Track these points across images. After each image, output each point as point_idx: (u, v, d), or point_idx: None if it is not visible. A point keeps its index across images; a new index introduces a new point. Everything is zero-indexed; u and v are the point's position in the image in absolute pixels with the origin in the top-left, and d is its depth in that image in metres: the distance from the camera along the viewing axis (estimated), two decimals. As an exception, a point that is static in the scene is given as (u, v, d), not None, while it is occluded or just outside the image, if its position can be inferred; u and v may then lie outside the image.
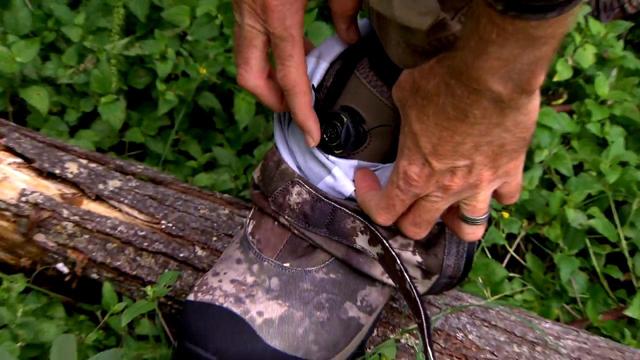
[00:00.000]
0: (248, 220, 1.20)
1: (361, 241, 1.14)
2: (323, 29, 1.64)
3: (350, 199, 1.14)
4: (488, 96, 0.93)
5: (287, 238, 1.17)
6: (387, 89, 1.12)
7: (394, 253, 1.12)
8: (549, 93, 1.66)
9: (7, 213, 1.35)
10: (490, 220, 1.47)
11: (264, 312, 1.14)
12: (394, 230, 1.14)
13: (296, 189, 1.15)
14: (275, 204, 1.17)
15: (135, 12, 1.67)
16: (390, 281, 1.16)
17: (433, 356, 1.09)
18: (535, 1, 0.83)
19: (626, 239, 1.51)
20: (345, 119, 1.12)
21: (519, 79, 0.91)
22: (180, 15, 1.64)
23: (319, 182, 1.14)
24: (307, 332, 1.14)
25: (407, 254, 1.15)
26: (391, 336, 1.23)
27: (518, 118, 0.97)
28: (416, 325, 1.22)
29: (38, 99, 1.57)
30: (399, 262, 1.12)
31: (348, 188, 1.13)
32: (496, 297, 1.38)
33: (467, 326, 1.24)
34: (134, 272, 1.31)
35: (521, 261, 1.51)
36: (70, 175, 1.37)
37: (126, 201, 1.35)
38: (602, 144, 1.57)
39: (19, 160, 1.38)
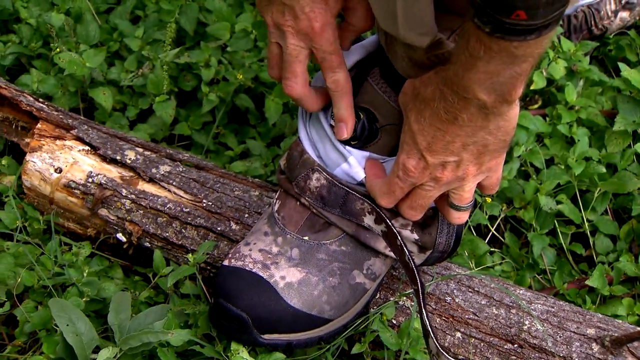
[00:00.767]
0: (275, 200, 1.19)
1: (368, 220, 1.14)
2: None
3: (361, 184, 1.13)
4: (475, 103, 0.93)
5: (306, 216, 1.16)
6: (394, 94, 1.12)
7: (395, 231, 1.12)
8: (526, 99, 1.64)
9: (76, 191, 1.35)
10: (475, 204, 1.46)
11: (286, 276, 1.13)
12: (396, 212, 1.13)
13: (315, 175, 1.15)
14: (297, 187, 1.16)
15: (185, 27, 1.67)
16: (391, 254, 1.15)
17: (427, 316, 1.08)
18: (518, 25, 0.82)
19: (588, 221, 1.50)
20: (362, 116, 1.12)
21: (502, 90, 0.91)
22: (221, 30, 1.64)
23: (335, 168, 1.13)
24: (321, 294, 1.14)
25: (406, 232, 1.14)
26: (391, 299, 1.22)
27: (500, 123, 0.97)
28: (412, 290, 1.21)
29: (104, 97, 1.57)
30: (399, 238, 1.12)
31: (360, 174, 1.12)
32: (479, 268, 1.37)
33: (455, 291, 1.23)
34: (180, 242, 1.30)
35: (501, 238, 1.50)
36: (128, 161, 1.36)
37: (174, 183, 1.34)
38: (570, 142, 1.56)
39: (86, 147, 1.38)
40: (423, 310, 1.09)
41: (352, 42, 1.14)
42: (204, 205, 1.32)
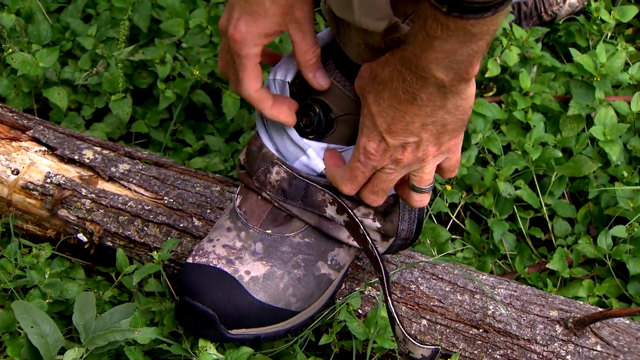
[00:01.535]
0: (236, 195, 1.19)
1: (330, 211, 1.14)
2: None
3: (321, 175, 1.13)
4: (433, 82, 0.94)
5: (268, 209, 1.16)
6: (349, 84, 1.12)
7: (357, 220, 1.12)
8: (481, 87, 1.65)
9: (35, 193, 1.33)
10: (435, 192, 1.47)
11: (250, 271, 1.13)
12: (357, 201, 1.13)
13: (275, 168, 1.14)
14: (258, 181, 1.16)
15: (138, 24, 1.66)
16: (355, 243, 1.15)
17: (392, 304, 1.08)
18: (475, 3, 0.83)
19: (546, 205, 1.51)
20: (317, 110, 1.11)
21: (459, 68, 0.92)
22: (175, 27, 1.63)
23: (295, 161, 1.13)
24: (286, 287, 1.14)
25: (368, 221, 1.15)
26: (356, 289, 1.22)
27: (458, 102, 0.98)
28: (377, 279, 1.21)
29: (59, 97, 1.56)
30: (362, 227, 1.12)
31: (320, 166, 1.12)
32: (441, 255, 1.37)
33: (419, 279, 1.24)
34: (142, 240, 1.30)
35: (461, 225, 1.51)
36: (87, 160, 1.35)
37: (134, 181, 1.33)
38: (526, 128, 1.57)
39: (43, 148, 1.37)
40: (388, 298, 1.09)
41: (317, 77, 1.14)
42: (166, 202, 1.31)
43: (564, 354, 1.17)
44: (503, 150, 1.53)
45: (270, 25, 1.07)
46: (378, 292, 1.22)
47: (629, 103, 1.56)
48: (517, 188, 1.49)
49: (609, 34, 1.73)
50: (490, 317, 1.20)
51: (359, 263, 1.24)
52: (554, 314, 1.20)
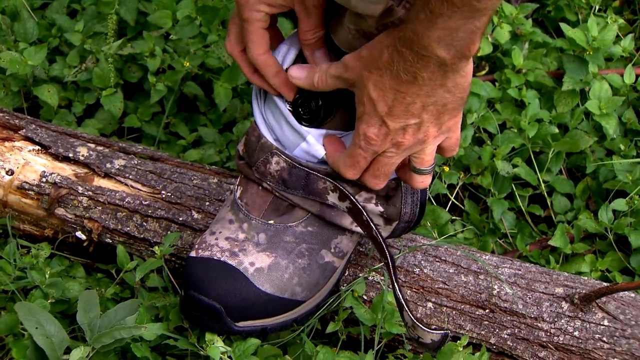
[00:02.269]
0: (236, 187, 1.18)
1: (332, 198, 1.13)
2: (284, 24, 1.62)
3: (322, 161, 1.12)
4: (434, 61, 0.94)
5: (270, 200, 1.15)
6: None
7: (360, 206, 1.12)
8: (473, 66, 1.64)
9: (30, 192, 1.32)
10: (434, 174, 1.46)
11: (255, 262, 1.12)
12: (359, 186, 1.13)
13: (275, 158, 1.14)
14: (258, 172, 1.15)
15: (125, 18, 1.64)
16: (358, 229, 1.15)
17: (400, 290, 1.08)
18: None
19: (544, 182, 1.51)
20: (320, 101, 1.11)
21: (460, 46, 0.93)
22: (163, 19, 1.61)
23: (295, 148, 1.12)
24: (291, 276, 1.13)
25: (371, 206, 1.14)
26: (360, 275, 1.22)
27: (457, 80, 0.98)
28: (380, 265, 1.21)
29: (49, 95, 1.54)
30: (364, 213, 1.11)
31: (320, 151, 1.11)
32: (443, 237, 1.37)
33: (422, 262, 1.23)
34: (142, 235, 1.29)
35: (460, 206, 1.50)
36: (81, 158, 1.34)
37: (130, 177, 1.32)
38: (520, 105, 1.57)
39: (37, 147, 1.36)
40: (395, 284, 1.09)
41: (317, 56, 1.13)
42: (163, 196, 1.30)
43: (571, 330, 1.17)
44: (499, 128, 1.52)
45: None
46: (382, 277, 1.21)
47: (622, 75, 1.56)
48: (514, 166, 1.49)
49: (597, 7, 1.73)
50: (496, 297, 1.20)
51: (361, 249, 1.24)
52: (559, 290, 1.20)
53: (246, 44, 1.11)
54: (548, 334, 1.17)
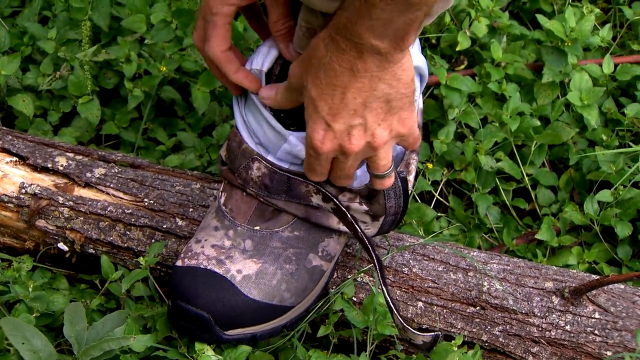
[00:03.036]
0: (220, 193, 1.17)
1: (316, 200, 1.13)
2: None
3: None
4: (368, 49, 0.93)
5: (255, 205, 1.14)
6: None
7: (343, 208, 1.11)
8: (452, 61, 1.64)
9: (10, 205, 1.30)
10: (417, 171, 1.45)
11: (242, 269, 1.11)
12: (341, 187, 1.11)
13: (256, 164, 1.13)
14: (240, 178, 1.14)
15: (98, 23, 1.62)
16: (345, 229, 1.14)
17: (389, 293, 1.07)
18: None
19: (528, 175, 1.51)
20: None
21: (394, 37, 0.92)
22: (137, 23, 1.59)
23: (278, 149, 1.11)
24: (279, 282, 1.12)
25: (355, 205, 1.13)
26: (349, 277, 1.21)
27: (397, 72, 0.97)
28: (368, 266, 1.20)
29: (24, 105, 1.52)
30: (348, 214, 1.10)
31: (303, 152, 1.10)
32: (431, 236, 1.36)
33: (411, 261, 1.23)
34: (125, 245, 1.27)
35: (445, 203, 1.50)
36: (60, 168, 1.32)
37: (112, 185, 1.31)
38: (501, 99, 1.56)
39: (14, 158, 1.34)
40: (384, 288, 1.08)
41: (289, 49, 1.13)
42: (146, 204, 1.28)
43: (563, 325, 1.16)
44: (481, 123, 1.52)
45: None
46: (371, 279, 1.21)
47: (600, 65, 1.56)
48: (498, 160, 1.49)
49: (572, -3, 1.73)
50: (486, 293, 1.19)
51: (348, 250, 1.23)
52: (549, 285, 1.19)
53: (209, 39, 1.09)
54: (540, 329, 1.17)
